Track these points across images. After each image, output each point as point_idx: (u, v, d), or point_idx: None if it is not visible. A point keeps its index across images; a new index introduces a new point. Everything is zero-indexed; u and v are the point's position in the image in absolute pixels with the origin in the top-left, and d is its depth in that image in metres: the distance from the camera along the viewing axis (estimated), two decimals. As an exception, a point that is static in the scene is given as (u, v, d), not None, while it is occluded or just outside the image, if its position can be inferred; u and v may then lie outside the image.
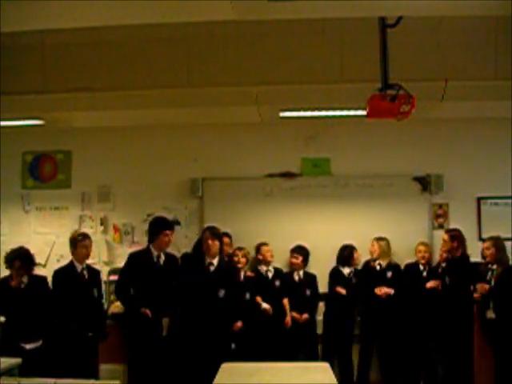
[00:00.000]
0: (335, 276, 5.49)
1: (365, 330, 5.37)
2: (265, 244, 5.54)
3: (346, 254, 5.49)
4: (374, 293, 5.29)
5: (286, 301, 5.33)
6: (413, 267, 5.44)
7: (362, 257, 5.59)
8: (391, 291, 5.28)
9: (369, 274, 5.43)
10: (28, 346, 4.30)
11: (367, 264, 5.52)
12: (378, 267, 5.42)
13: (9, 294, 4.42)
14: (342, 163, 5.89)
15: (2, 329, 4.41)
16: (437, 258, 5.45)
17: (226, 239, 5.29)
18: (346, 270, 5.49)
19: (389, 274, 5.36)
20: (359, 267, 5.56)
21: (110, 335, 4.76)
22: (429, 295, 5.21)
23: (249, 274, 5.37)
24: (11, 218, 6.09)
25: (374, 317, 5.31)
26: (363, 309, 5.40)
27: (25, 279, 4.48)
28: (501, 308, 4.70)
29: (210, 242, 4.70)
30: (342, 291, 5.35)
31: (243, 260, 5.39)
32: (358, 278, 5.45)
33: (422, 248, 5.44)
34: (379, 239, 5.47)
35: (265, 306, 5.22)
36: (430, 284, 5.23)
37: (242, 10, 3.29)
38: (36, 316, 4.40)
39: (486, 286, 4.77)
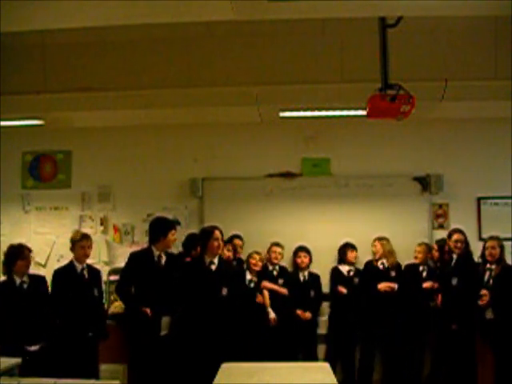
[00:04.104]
0: (335, 275, 5.52)
1: (366, 330, 5.35)
2: (276, 244, 5.55)
3: (341, 252, 5.56)
4: (375, 293, 5.27)
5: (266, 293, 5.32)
6: (411, 269, 5.43)
7: (363, 256, 5.59)
8: (395, 286, 5.27)
9: (371, 274, 5.42)
10: (31, 348, 4.29)
11: (369, 264, 5.52)
12: (380, 266, 5.42)
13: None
14: (342, 163, 5.90)
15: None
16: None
17: (237, 241, 5.46)
18: (345, 268, 5.51)
19: (393, 273, 5.35)
20: (358, 266, 5.55)
21: (109, 335, 4.76)
22: (426, 295, 5.24)
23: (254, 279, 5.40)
24: (11, 218, 6.09)
25: (375, 317, 5.29)
26: (363, 308, 5.37)
27: (26, 279, 4.49)
28: (500, 308, 4.70)
29: (221, 242, 4.71)
30: (343, 290, 5.36)
31: (260, 264, 5.40)
32: (360, 278, 5.45)
33: (415, 248, 5.44)
34: (381, 239, 5.48)
35: (272, 315, 5.23)
36: (426, 284, 5.26)
37: (242, 9, 3.30)
38: (38, 317, 4.40)
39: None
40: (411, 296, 5.29)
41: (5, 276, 4.50)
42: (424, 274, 5.36)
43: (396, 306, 5.27)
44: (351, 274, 5.48)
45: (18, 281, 4.44)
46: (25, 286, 4.47)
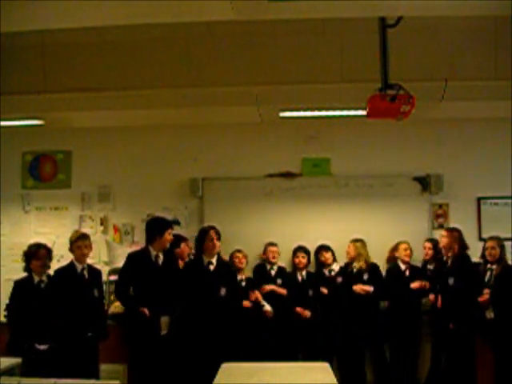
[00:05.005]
0: (317, 276, 5.53)
1: (349, 331, 5.33)
2: (272, 244, 5.55)
3: (316, 255, 5.59)
4: (352, 294, 5.29)
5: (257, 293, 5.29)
6: (394, 269, 5.43)
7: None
8: (370, 288, 5.28)
9: (348, 275, 5.43)
10: (40, 347, 4.32)
11: (347, 265, 5.51)
12: (354, 270, 5.41)
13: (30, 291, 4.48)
14: (342, 163, 5.89)
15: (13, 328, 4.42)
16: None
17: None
18: (325, 270, 5.52)
19: (365, 276, 5.34)
20: (337, 267, 5.55)
21: (109, 335, 4.76)
22: (415, 295, 5.27)
23: (246, 275, 5.39)
24: (11, 218, 6.09)
25: (356, 317, 5.28)
26: (345, 309, 5.36)
27: (44, 278, 4.56)
28: (500, 308, 4.70)
29: (216, 242, 4.71)
30: (324, 291, 5.38)
31: (244, 261, 5.42)
32: (342, 278, 5.45)
33: (404, 246, 5.43)
34: (354, 241, 5.47)
35: (267, 307, 5.22)
36: (414, 285, 5.26)
37: (242, 9, 3.30)
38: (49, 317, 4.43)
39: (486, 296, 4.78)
40: (395, 296, 5.30)
41: (26, 273, 4.58)
42: (407, 273, 5.36)
43: (376, 306, 5.30)
44: (332, 274, 5.48)
45: (36, 279, 4.54)
46: (42, 285, 4.54)
